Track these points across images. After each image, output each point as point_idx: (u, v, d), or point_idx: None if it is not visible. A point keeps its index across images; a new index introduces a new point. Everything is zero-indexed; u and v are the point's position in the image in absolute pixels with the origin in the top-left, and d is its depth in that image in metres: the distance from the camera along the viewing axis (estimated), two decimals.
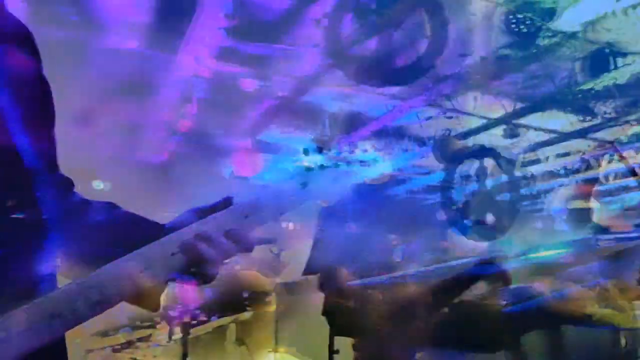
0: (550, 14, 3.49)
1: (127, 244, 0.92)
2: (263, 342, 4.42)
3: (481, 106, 5.58)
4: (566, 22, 3.63)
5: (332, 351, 2.36)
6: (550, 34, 3.78)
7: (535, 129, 5.79)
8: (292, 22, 4.04)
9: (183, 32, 3.81)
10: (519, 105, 5.33)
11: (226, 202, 1.01)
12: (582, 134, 5.82)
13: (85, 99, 4.02)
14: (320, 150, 1.09)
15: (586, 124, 5.64)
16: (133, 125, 4.52)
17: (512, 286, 2.54)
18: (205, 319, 4.04)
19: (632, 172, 2.23)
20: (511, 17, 3.55)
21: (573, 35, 3.90)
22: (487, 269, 2.46)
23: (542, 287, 2.52)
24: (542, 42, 4.03)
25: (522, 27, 3.54)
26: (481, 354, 2.42)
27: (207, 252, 0.92)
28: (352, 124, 6.08)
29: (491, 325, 2.43)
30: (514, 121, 5.62)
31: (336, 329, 2.31)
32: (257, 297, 4.48)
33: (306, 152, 1.09)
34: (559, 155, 6.65)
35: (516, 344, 2.44)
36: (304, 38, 4.18)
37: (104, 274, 0.87)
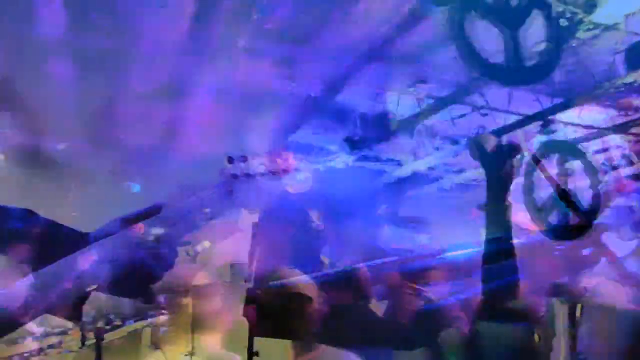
0: (591, 5, 3.38)
1: (48, 253, 0.88)
2: (179, 345, 4.32)
3: (516, 102, 5.47)
4: (607, 13, 3.51)
5: (251, 353, 2.28)
6: (590, 27, 3.66)
7: (573, 124, 5.63)
8: (325, 22, 4.04)
9: (215, 35, 3.85)
10: (556, 100, 5.20)
11: (154, 209, 0.99)
12: (622, 129, 5.63)
13: (122, 103, 4.10)
14: (244, 159, 1.05)
15: (625, 119, 5.48)
16: (168, 129, 4.60)
17: (430, 283, 2.55)
18: (119, 323, 3.94)
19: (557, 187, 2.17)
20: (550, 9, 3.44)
21: (614, 27, 3.77)
22: (409, 267, 2.47)
23: (458, 284, 2.52)
24: (582, 35, 3.90)
25: (560, 20, 3.43)
26: (399, 351, 2.42)
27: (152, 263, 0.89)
28: (383, 123, 6.04)
29: (409, 323, 2.44)
30: (551, 117, 5.48)
31: (256, 330, 2.24)
32: (173, 300, 4.39)
33: (230, 160, 1.05)
34: (597, 152, 6.46)
35: (433, 341, 2.44)
36: (337, 39, 4.18)
37: (27, 284, 0.84)
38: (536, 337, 2.69)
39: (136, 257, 0.94)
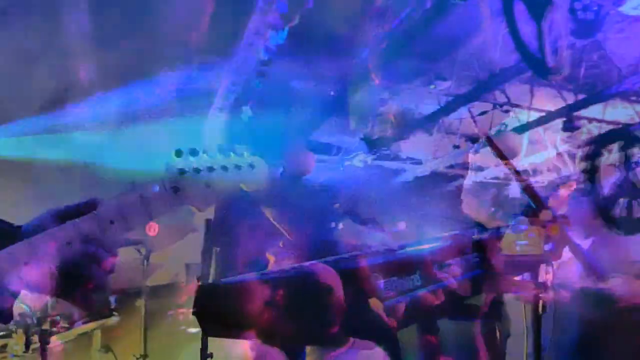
0: None
1: None
2: (131, 348, 4.19)
3: (539, 99, 5.39)
4: (637, 4, 3.42)
5: (205, 354, 2.17)
6: (618, 19, 3.57)
7: (598, 120, 5.53)
8: (344, 21, 4.01)
9: (238, 35, 3.84)
10: (580, 96, 5.10)
11: (89, 206, 0.92)
12: None
13: (144, 105, 4.11)
14: (195, 152, 0.96)
15: None
16: (189, 129, 4.60)
17: (390, 279, 2.50)
18: (67, 325, 3.76)
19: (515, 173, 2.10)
20: (576, 2, 3.38)
21: None
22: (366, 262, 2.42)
23: (421, 280, 2.48)
24: (607, 28, 3.82)
25: (587, 12, 3.36)
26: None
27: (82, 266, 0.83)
28: (403, 121, 5.99)
29: (369, 321, 2.40)
30: (574, 113, 5.38)
31: (208, 330, 2.13)
32: (124, 301, 4.25)
33: (179, 153, 0.95)
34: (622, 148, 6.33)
35: (393, 338, 2.40)
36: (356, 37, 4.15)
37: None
38: (497, 333, 2.68)
39: (69, 256, 0.86)
